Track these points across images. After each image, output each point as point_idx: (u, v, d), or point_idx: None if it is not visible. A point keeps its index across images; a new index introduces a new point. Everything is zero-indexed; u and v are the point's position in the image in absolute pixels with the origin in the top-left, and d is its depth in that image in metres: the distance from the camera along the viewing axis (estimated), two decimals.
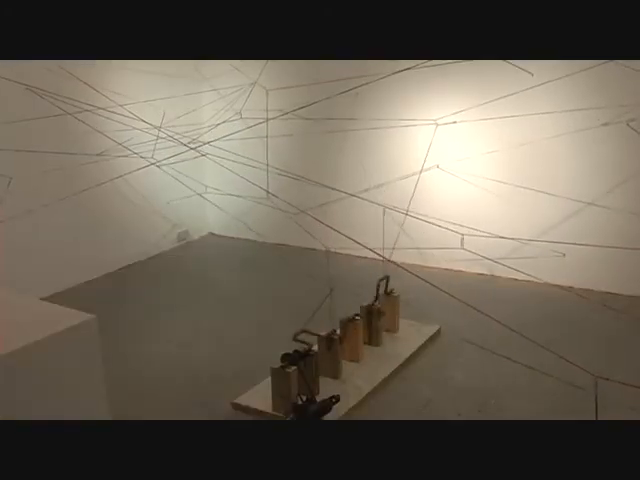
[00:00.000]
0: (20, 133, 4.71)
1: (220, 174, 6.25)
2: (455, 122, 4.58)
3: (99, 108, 4.13)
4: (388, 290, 4.62)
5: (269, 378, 3.70)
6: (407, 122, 5.27)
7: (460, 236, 3.31)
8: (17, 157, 4.62)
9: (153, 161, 3.82)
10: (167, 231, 6.63)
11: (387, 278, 4.54)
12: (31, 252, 5.32)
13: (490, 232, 4.25)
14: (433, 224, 3.70)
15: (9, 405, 2.28)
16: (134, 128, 4.11)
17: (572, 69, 4.11)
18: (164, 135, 3.83)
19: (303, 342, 3.74)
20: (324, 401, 3.58)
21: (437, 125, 4.53)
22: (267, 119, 4.08)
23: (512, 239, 4.49)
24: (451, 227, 3.53)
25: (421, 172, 4.47)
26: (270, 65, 4.67)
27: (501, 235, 4.22)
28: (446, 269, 5.85)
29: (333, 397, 3.61)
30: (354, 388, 3.92)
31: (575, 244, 4.46)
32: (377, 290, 4.49)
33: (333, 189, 4.52)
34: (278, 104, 4.86)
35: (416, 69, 3.60)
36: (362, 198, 4.28)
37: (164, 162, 4.02)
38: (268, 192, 3.67)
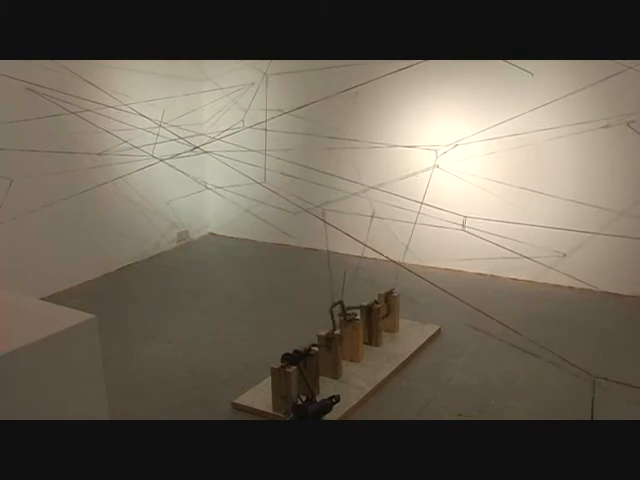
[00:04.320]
0: (20, 133, 4.71)
1: (220, 174, 6.26)
2: (456, 145, 4.58)
3: (103, 106, 4.14)
4: (388, 292, 4.59)
5: (269, 378, 3.70)
6: (408, 147, 5.26)
7: (461, 221, 3.31)
8: (17, 157, 4.62)
9: (155, 158, 3.82)
10: (167, 231, 6.63)
11: (341, 303, 4.21)
12: (31, 252, 5.32)
13: (490, 232, 4.25)
14: (435, 207, 3.68)
15: (9, 405, 2.28)
16: (136, 127, 4.12)
17: (581, 82, 4.09)
18: (165, 135, 3.84)
19: (332, 318, 3.82)
20: (324, 401, 3.58)
21: (437, 156, 4.53)
22: (266, 120, 4.09)
23: (514, 222, 4.47)
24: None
25: (422, 171, 4.47)
26: (272, 64, 4.68)
27: (502, 235, 4.23)
28: (446, 269, 5.86)
29: (333, 397, 3.61)
30: (354, 388, 3.92)
31: (575, 230, 4.44)
32: (332, 316, 4.10)
33: (344, 178, 4.51)
34: (278, 105, 4.87)
35: (417, 70, 3.60)
36: (380, 190, 4.27)
37: (165, 162, 4.02)
38: (265, 186, 3.67)
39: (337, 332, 4.07)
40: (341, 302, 4.23)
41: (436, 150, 4.51)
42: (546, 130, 5.07)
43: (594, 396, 2.26)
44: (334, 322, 4.10)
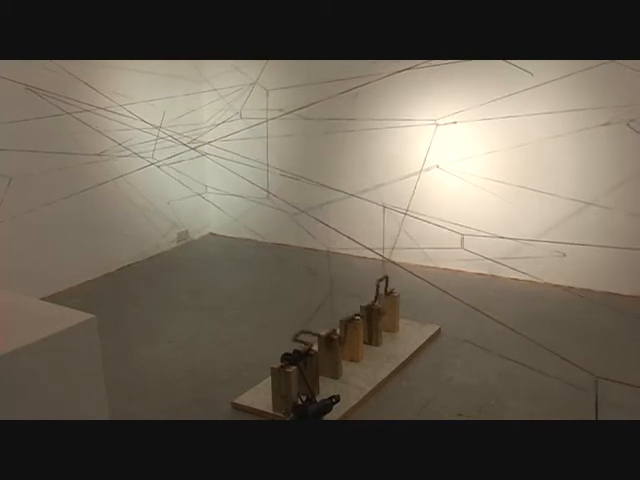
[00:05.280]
0: (20, 133, 4.71)
1: (220, 174, 6.24)
2: (455, 122, 4.58)
3: (99, 108, 4.13)
4: (388, 290, 4.62)
5: (269, 378, 3.70)
6: (407, 122, 5.27)
7: (460, 236, 3.32)
8: (17, 157, 4.62)
9: (153, 161, 3.81)
10: (167, 231, 6.63)
11: (386, 278, 4.52)
12: (31, 252, 5.32)
13: (490, 232, 4.25)
14: (433, 224, 3.70)
15: (9, 405, 2.28)
16: (134, 128, 4.11)
17: (572, 69, 4.11)
18: (164, 135, 3.83)
19: (303, 342, 3.74)
20: (324, 401, 3.58)
21: (437, 125, 4.53)
22: (267, 119, 4.08)
23: (512, 238, 4.50)
24: (451, 227, 3.53)
25: (421, 172, 4.47)
26: (270, 65, 4.67)
27: (501, 235, 4.23)
28: (446, 269, 5.86)
29: (333, 397, 3.61)
30: (354, 388, 3.92)
31: (575, 244, 4.46)
32: (377, 290, 4.47)
33: (334, 188, 4.52)
34: (278, 104, 4.86)
35: (416, 69, 3.60)
36: (363, 198, 4.29)
37: (164, 162, 4.02)
38: (268, 192, 3.67)
39: (377, 304, 4.45)
40: (386, 278, 4.47)
41: (436, 120, 4.51)
42: (546, 128, 5.08)
43: (597, 394, 2.26)
44: (378, 294, 4.43)
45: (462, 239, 3.33)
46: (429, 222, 3.66)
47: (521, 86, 4.34)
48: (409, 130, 5.79)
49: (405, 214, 3.65)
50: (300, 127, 5.65)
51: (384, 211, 3.84)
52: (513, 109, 4.76)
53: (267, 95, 4.71)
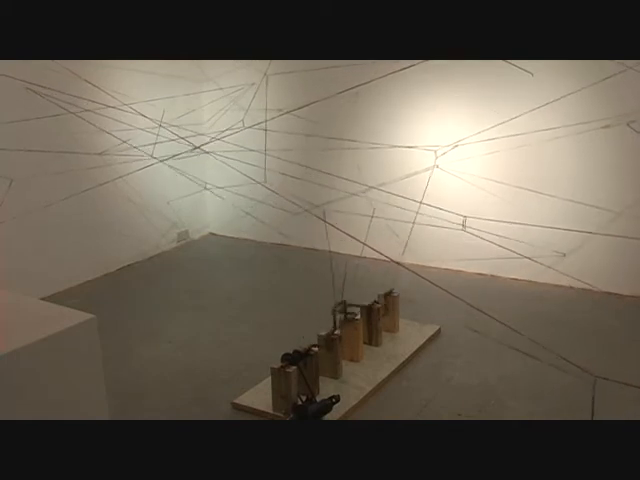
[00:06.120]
0: (20, 133, 4.71)
1: (220, 174, 6.27)
2: (456, 146, 4.57)
3: (100, 107, 4.14)
4: (348, 312, 4.46)
5: (269, 378, 3.70)
6: (408, 147, 5.26)
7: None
8: (17, 157, 4.62)
9: (155, 159, 3.82)
10: (167, 231, 6.63)
11: (344, 302, 4.28)
12: (31, 252, 5.32)
13: (490, 232, 4.25)
14: (434, 207, 3.68)
15: (9, 405, 2.28)
16: (135, 127, 4.11)
17: (579, 77, 4.09)
18: (165, 135, 3.83)
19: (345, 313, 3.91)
20: (324, 401, 3.58)
21: (437, 157, 4.52)
22: (266, 120, 4.09)
23: (516, 223, 4.46)
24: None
25: (429, 179, 4.46)
26: (272, 64, 4.67)
27: (501, 235, 4.23)
28: (446, 269, 5.85)
29: (333, 397, 3.61)
30: (354, 388, 3.92)
31: (577, 231, 4.43)
32: (334, 316, 4.18)
33: (341, 176, 4.50)
34: (279, 105, 4.87)
35: (417, 70, 3.60)
36: (363, 196, 4.28)
37: (164, 162, 4.02)
38: (265, 186, 3.67)
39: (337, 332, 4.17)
40: (344, 302, 4.31)
41: (435, 151, 4.51)
42: (546, 130, 5.07)
43: (594, 395, 2.26)
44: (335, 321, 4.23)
45: (464, 220, 3.32)
46: (432, 205, 3.63)
47: (522, 86, 4.35)
48: (410, 131, 5.80)
49: (418, 210, 3.64)
50: (300, 131, 5.65)
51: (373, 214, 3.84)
52: (514, 110, 4.74)
53: (267, 82, 4.69)
